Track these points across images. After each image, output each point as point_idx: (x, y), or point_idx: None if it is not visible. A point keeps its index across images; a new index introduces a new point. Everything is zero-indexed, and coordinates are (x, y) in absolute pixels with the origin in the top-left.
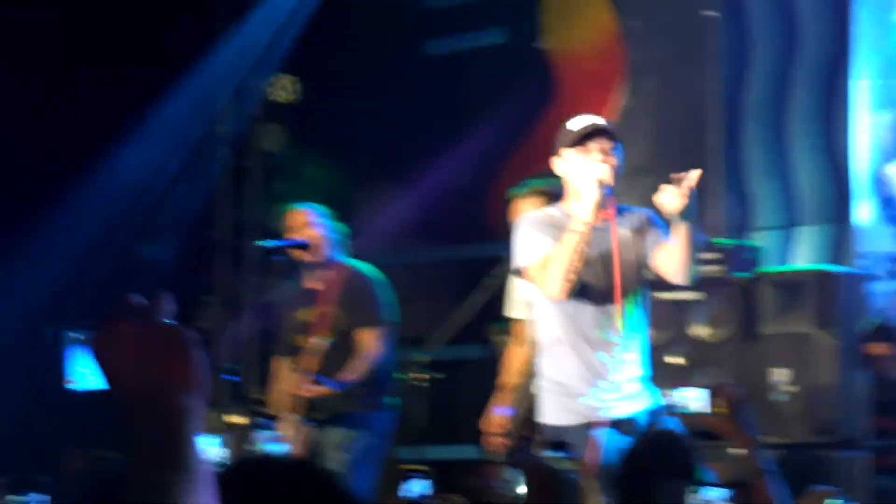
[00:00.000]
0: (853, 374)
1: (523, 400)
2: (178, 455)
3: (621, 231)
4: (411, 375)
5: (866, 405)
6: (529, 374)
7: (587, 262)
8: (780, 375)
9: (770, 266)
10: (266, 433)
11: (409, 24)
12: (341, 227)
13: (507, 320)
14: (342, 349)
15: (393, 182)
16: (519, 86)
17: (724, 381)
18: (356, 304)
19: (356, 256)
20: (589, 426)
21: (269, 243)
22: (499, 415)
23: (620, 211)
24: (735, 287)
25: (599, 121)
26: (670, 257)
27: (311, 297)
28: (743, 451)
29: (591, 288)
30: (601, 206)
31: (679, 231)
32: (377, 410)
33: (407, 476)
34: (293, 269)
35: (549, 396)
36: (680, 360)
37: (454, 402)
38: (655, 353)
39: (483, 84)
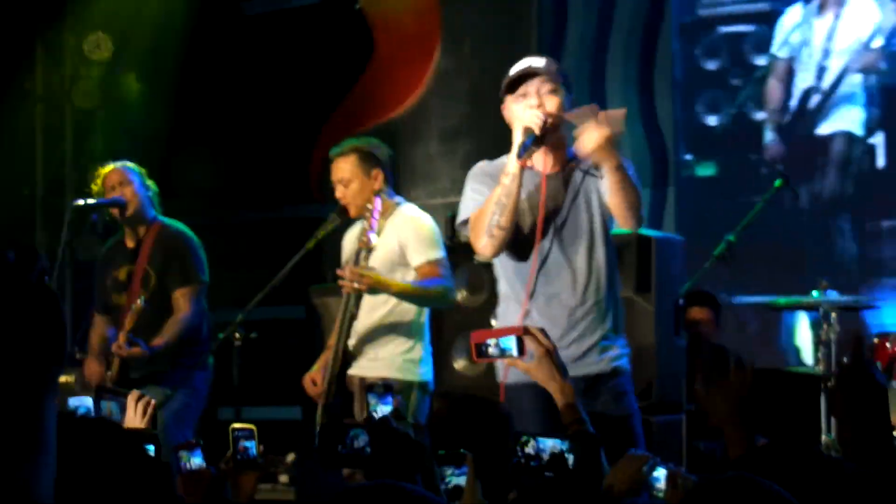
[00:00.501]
0: (671, 338)
1: (337, 358)
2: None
3: (576, 177)
4: (228, 335)
5: (683, 370)
6: (344, 334)
7: (527, 214)
8: None
9: None
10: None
11: None
12: (154, 185)
13: (327, 281)
14: (158, 308)
15: (211, 142)
16: (337, 46)
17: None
18: (170, 263)
19: (172, 216)
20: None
21: (85, 202)
22: (315, 373)
23: (573, 156)
24: None
25: (535, 62)
26: (613, 203)
27: (128, 255)
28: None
29: (533, 241)
30: (527, 153)
31: (609, 172)
32: (193, 370)
33: (236, 435)
34: (112, 228)
35: None
36: (496, 323)
37: (272, 362)
38: (475, 316)
39: (302, 44)
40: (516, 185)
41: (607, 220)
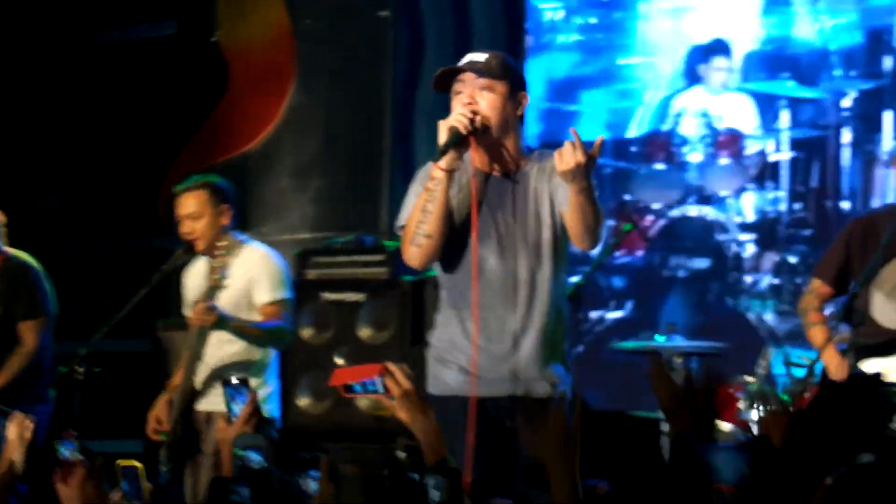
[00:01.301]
0: None
1: (185, 394)
2: None
3: (528, 183)
4: (71, 368)
5: None
6: (191, 370)
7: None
8: None
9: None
10: None
11: (80, 11)
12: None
13: (175, 315)
14: (2, 341)
15: (61, 171)
16: (192, 78)
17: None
18: (15, 295)
19: (19, 246)
20: (461, 400)
21: None
22: (159, 411)
23: (529, 155)
24: (401, 290)
25: (475, 57)
26: (570, 221)
27: None
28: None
29: (482, 248)
30: (448, 155)
31: (573, 194)
32: (37, 403)
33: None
34: None
35: (429, 362)
36: (341, 362)
37: (115, 395)
38: (320, 354)
39: (156, 76)
40: (442, 190)
41: (560, 233)
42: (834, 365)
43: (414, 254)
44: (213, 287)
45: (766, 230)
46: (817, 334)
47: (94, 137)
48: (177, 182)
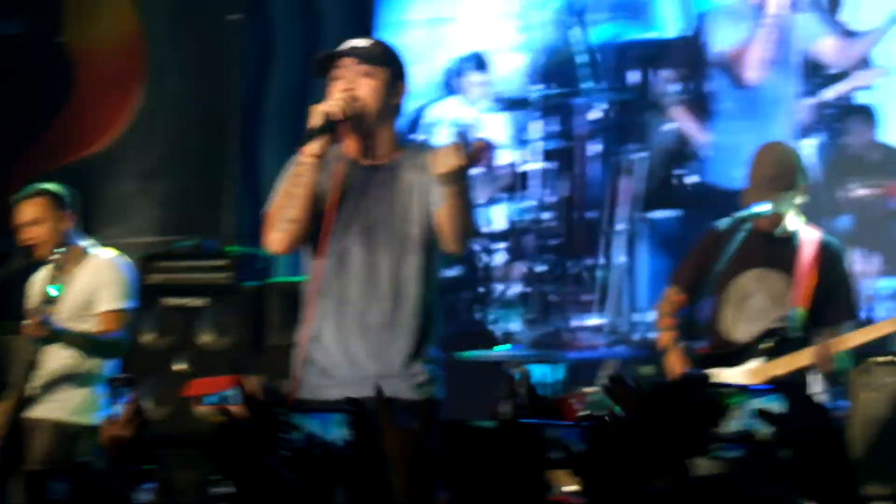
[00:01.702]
0: None
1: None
2: None
3: (402, 176)
4: None
5: None
6: (24, 379)
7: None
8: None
9: (281, 276)
10: None
11: None
12: None
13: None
14: None
15: None
16: (38, 79)
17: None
18: None
19: None
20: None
21: None
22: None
23: (404, 146)
24: (243, 295)
25: (357, 43)
26: (443, 222)
27: None
28: None
29: (340, 241)
30: (315, 140)
31: (450, 196)
32: None
33: None
34: None
35: (296, 363)
36: (183, 367)
37: None
38: (161, 359)
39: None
40: (309, 175)
41: (430, 230)
42: (677, 370)
43: (276, 239)
44: (48, 299)
45: (516, 240)
46: (664, 339)
47: None
48: (21, 185)
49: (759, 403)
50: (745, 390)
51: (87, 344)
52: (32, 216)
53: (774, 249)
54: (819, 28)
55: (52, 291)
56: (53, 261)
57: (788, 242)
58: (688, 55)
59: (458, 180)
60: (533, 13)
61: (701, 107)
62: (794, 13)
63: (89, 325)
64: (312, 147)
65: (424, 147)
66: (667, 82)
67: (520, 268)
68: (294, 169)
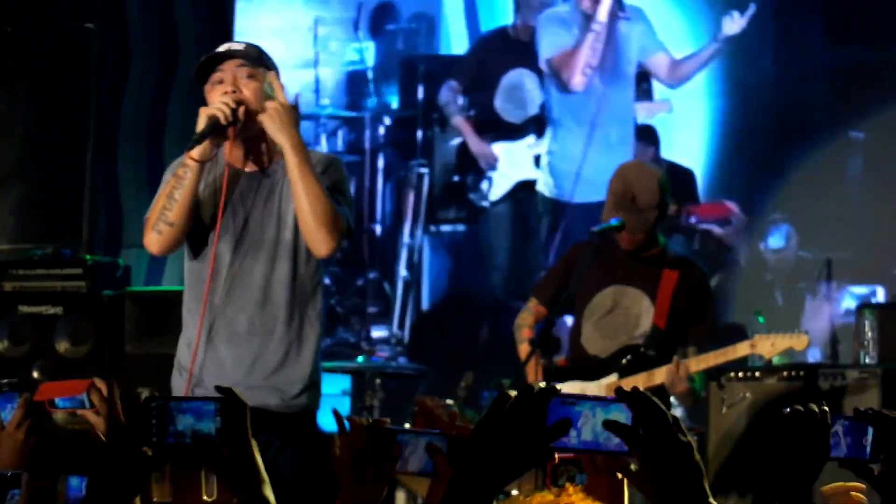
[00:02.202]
0: None
1: None
2: None
3: (277, 181)
4: None
5: None
6: None
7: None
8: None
9: (139, 286)
10: None
11: None
12: None
13: None
14: None
15: None
16: None
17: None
18: None
19: None
20: None
21: None
22: None
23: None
24: (100, 304)
25: (234, 46)
26: (296, 210)
27: None
28: None
29: (214, 247)
30: (202, 144)
31: (289, 158)
32: None
33: None
34: None
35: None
36: (37, 376)
37: None
38: (17, 367)
39: None
40: (193, 178)
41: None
42: (534, 381)
43: (153, 240)
44: None
45: None
46: (524, 350)
47: None
48: None
49: (606, 414)
50: (593, 400)
51: None
52: None
53: (636, 267)
54: (652, 43)
55: None
56: None
57: (651, 261)
58: (473, 71)
59: (288, 128)
60: (323, 28)
61: (486, 122)
62: (628, 22)
63: None
64: (199, 150)
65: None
66: (454, 95)
67: None
68: (177, 171)
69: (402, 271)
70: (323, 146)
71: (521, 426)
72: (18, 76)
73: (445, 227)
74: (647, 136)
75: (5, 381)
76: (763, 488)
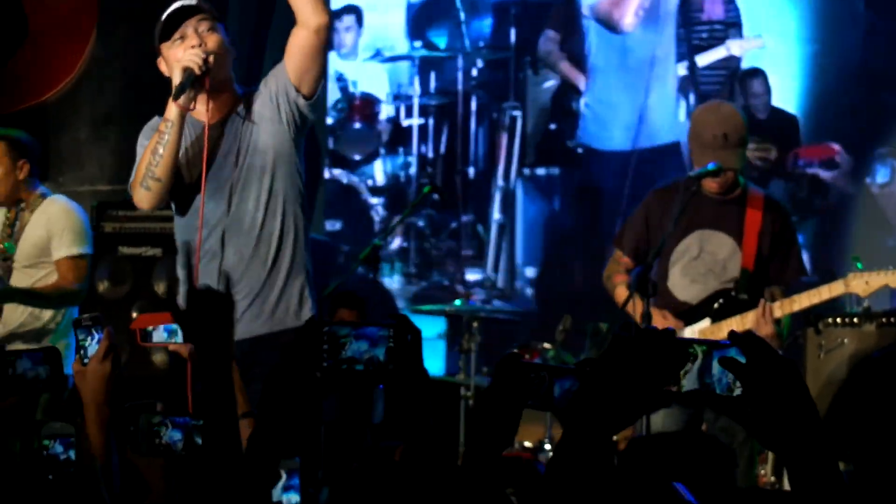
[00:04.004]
0: None
1: None
2: None
3: (238, 125)
4: None
5: None
6: None
7: (191, 165)
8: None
9: None
10: None
11: None
12: None
13: None
14: None
15: None
16: None
17: None
18: None
19: None
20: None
21: None
22: None
23: (245, 95)
24: None
25: (188, 2)
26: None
27: None
28: None
29: (208, 195)
30: (186, 95)
31: None
32: None
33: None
34: None
35: None
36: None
37: None
38: (117, 308)
39: None
40: (175, 132)
41: (280, 166)
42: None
43: (143, 196)
44: (3, 257)
45: (396, 194)
46: (621, 294)
47: None
48: None
49: (720, 357)
50: (708, 344)
51: (42, 298)
52: None
53: (718, 210)
54: None
55: (3, 248)
56: (9, 208)
57: (733, 202)
58: (566, 13)
59: None
60: None
61: (580, 62)
62: None
63: (46, 272)
64: (180, 102)
65: (253, 90)
66: (553, 45)
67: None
68: (160, 127)
69: (496, 214)
70: (416, 87)
71: (642, 367)
72: (118, 22)
73: (539, 171)
74: (760, 79)
75: (87, 315)
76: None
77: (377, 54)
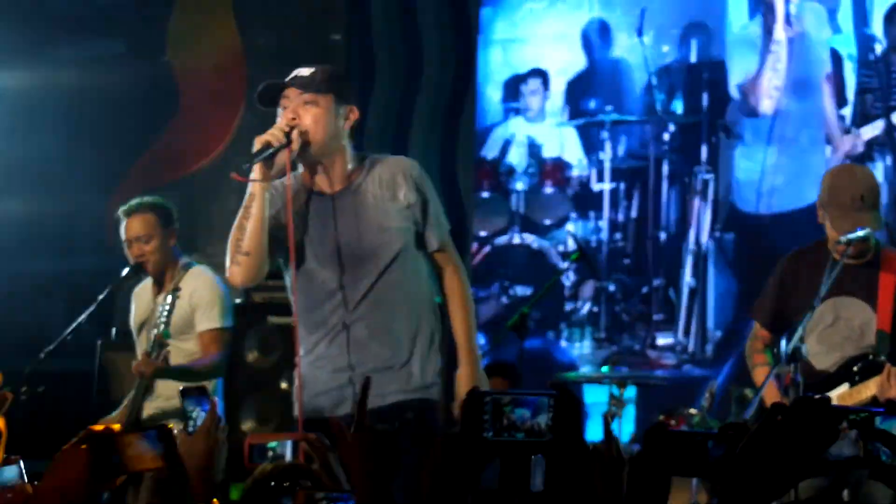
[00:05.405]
0: None
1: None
2: None
3: (360, 195)
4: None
5: None
6: (136, 404)
7: (312, 240)
8: None
9: None
10: None
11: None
12: None
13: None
14: None
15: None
16: (142, 99)
17: None
18: None
19: None
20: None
21: None
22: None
23: (362, 166)
24: None
25: (299, 72)
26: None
27: None
28: None
29: (312, 271)
30: (262, 168)
31: None
32: None
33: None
34: None
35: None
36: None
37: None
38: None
39: (105, 94)
40: (258, 205)
41: (407, 242)
42: (772, 399)
43: (235, 272)
44: (157, 341)
45: (592, 259)
46: (759, 375)
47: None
48: (123, 203)
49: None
50: (861, 412)
51: (189, 375)
52: (142, 231)
53: (851, 274)
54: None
55: (162, 328)
56: (160, 281)
57: (867, 266)
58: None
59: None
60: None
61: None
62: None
63: (191, 344)
64: (254, 175)
65: (380, 159)
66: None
67: (590, 286)
68: (245, 202)
69: (688, 278)
70: (607, 152)
71: (796, 437)
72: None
73: (729, 235)
74: None
75: (194, 385)
76: None
77: (568, 119)
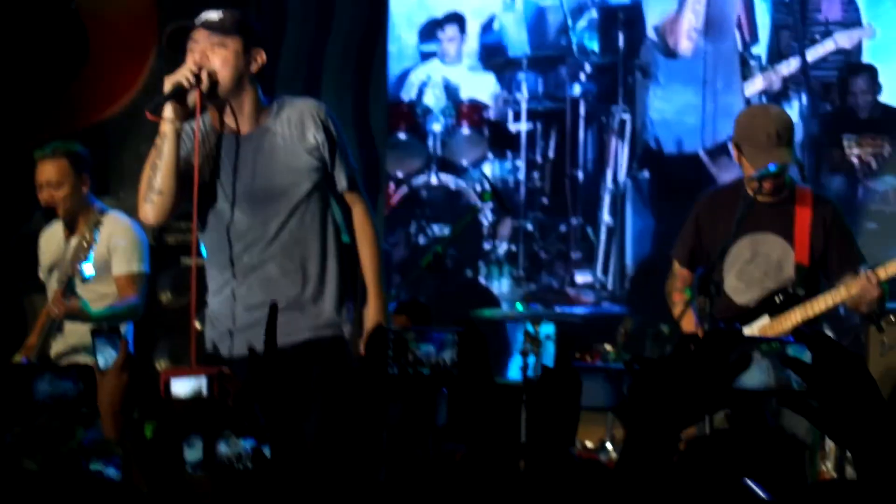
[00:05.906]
0: None
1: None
2: None
3: (269, 137)
4: None
5: None
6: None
7: (213, 177)
8: None
9: None
10: None
11: None
12: None
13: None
14: None
15: None
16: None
17: None
18: None
19: None
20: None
21: None
22: None
23: (269, 108)
24: None
25: (208, 15)
26: None
27: None
28: None
29: (220, 211)
30: (173, 108)
31: None
32: None
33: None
34: None
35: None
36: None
37: None
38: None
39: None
40: (169, 145)
41: (316, 182)
42: (690, 331)
43: (147, 210)
44: (69, 275)
45: (504, 199)
46: (679, 311)
47: None
48: (36, 148)
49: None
50: (772, 342)
51: (104, 318)
52: (54, 176)
53: (768, 212)
54: None
55: (86, 268)
56: (72, 224)
57: (782, 203)
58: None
59: None
60: None
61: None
62: None
63: (106, 287)
64: (165, 113)
65: (288, 102)
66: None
67: (508, 226)
68: (155, 141)
69: (606, 216)
70: (524, 92)
71: (707, 368)
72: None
73: (644, 174)
74: (868, 75)
75: (105, 325)
76: None
77: (481, 60)
